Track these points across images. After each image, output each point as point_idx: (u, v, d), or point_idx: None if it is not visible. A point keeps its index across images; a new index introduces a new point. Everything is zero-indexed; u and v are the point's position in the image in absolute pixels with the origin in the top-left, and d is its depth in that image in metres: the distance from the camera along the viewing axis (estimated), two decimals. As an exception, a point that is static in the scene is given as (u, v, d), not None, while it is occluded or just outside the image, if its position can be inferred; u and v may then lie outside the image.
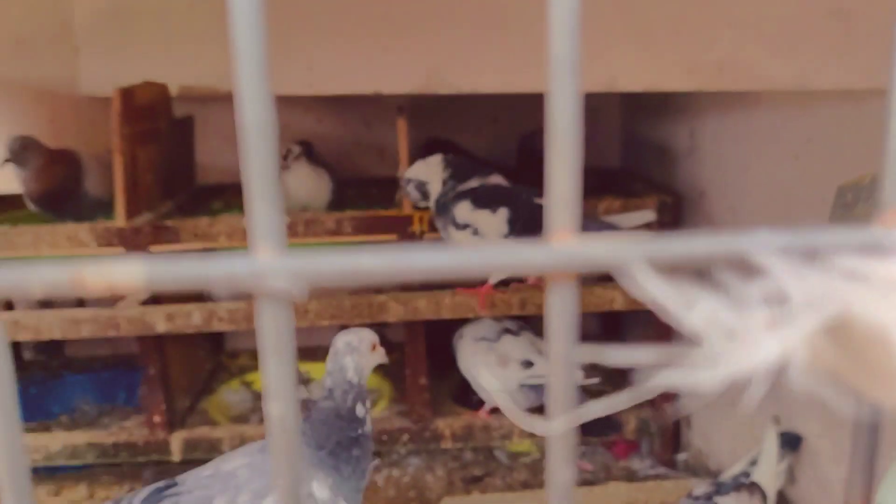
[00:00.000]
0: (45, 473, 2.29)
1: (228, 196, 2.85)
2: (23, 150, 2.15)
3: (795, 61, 1.42)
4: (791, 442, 1.70)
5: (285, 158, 2.42)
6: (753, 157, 1.90)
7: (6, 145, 2.17)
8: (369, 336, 1.43)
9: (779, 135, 1.78)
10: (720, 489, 1.59)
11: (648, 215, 2.08)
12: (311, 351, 2.98)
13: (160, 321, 2.00)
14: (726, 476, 1.70)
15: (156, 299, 2.16)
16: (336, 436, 1.34)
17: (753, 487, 1.59)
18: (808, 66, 1.41)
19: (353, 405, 1.36)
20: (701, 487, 1.62)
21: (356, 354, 1.40)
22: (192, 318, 2.01)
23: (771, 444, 1.65)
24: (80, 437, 2.21)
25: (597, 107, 2.96)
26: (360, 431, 1.35)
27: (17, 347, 2.79)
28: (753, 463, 1.69)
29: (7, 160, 2.15)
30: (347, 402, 1.36)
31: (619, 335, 2.97)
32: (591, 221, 1.92)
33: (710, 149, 2.16)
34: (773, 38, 1.49)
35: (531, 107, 2.97)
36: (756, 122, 1.88)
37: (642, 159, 2.79)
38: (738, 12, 1.47)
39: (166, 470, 2.35)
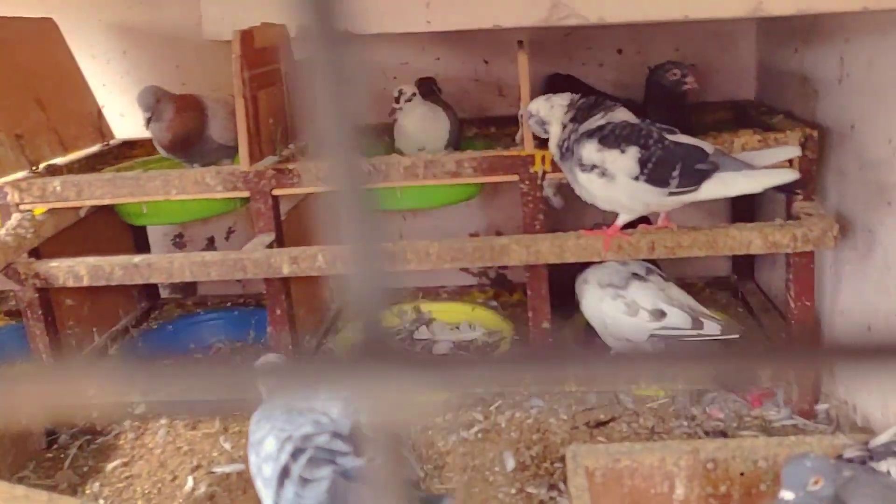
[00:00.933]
0: (181, 407, 2.40)
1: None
2: (157, 104, 2.20)
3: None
4: None
5: (397, 101, 2.38)
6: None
7: (141, 100, 2.22)
8: None
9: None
10: (874, 455, 1.47)
11: (792, 150, 1.92)
12: (434, 291, 2.98)
13: (285, 264, 2.02)
14: (878, 442, 1.55)
15: (280, 242, 2.20)
16: None
17: None
18: None
19: None
20: (852, 450, 1.50)
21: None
22: (316, 261, 2.02)
23: None
24: (213, 375, 2.29)
25: (730, 32, 2.76)
26: None
27: (153, 286, 2.92)
28: None
29: (149, 119, 2.21)
30: None
31: (753, 278, 2.82)
32: (728, 160, 1.79)
33: (864, 76, 1.96)
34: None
35: (658, 37, 2.81)
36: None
37: (779, 91, 2.58)
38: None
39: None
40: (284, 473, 1.40)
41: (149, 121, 2.22)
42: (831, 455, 1.51)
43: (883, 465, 1.41)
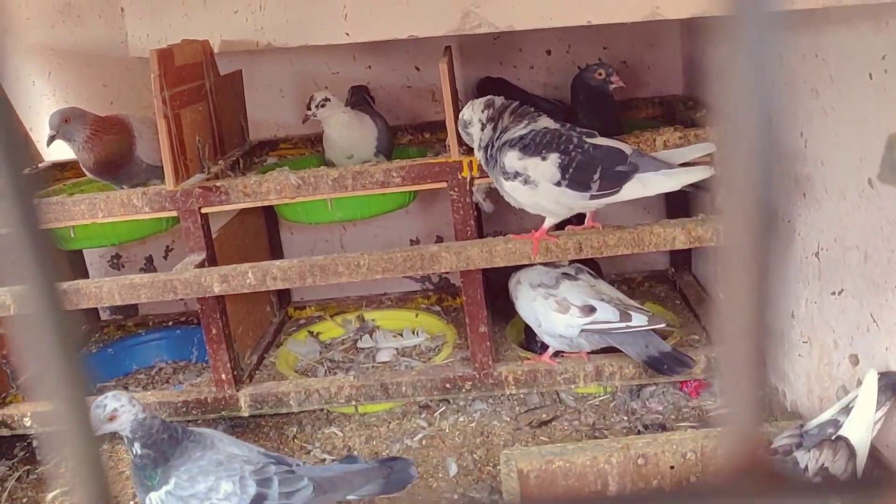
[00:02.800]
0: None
1: (283, 150, 2.84)
2: (65, 124, 2.15)
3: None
4: (892, 386, 1.53)
5: (308, 107, 2.38)
6: (825, 77, 1.75)
7: (50, 120, 2.18)
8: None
9: (851, 53, 1.64)
10: (803, 440, 1.48)
11: (708, 147, 1.96)
12: (377, 299, 2.99)
13: (216, 283, 2.01)
14: (813, 425, 1.56)
15: (213, 260, 2.18)
16: None
17: (839, 443, 1.45)
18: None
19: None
20: (783, 437, 1.51)
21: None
22: (247, 278, 2.01)
23: (869, 388, 1.48)
24: (151, 397, 2.27)
25: (656, 30, 2.80)
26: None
27: (93, 308, 2.88)
28: (846, 409, 1.54)
29: (53, 136, 2.17)
30: None
31: (690, 270, 2.87)
32: (647, 160, 1.82)
33: (777, 70, 2.00)
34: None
35: (586, 37, 2.84)
36: (826, 39, 1.73)
37: (705, 85, 2.63)
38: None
39: (238, 424, 2.41)
40: (259, 499, 1.58)
41: (51, 139, 2.17)
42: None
43: (804, 459, 1.43)
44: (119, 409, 1.65)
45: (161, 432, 1.62)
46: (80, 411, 0.37)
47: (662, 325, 2.03)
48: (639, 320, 1.97)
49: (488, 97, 1.97)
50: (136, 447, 1.62)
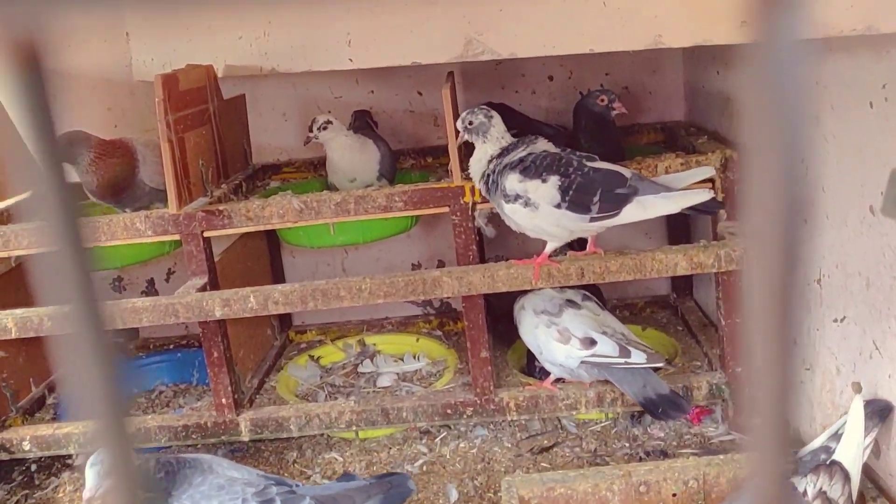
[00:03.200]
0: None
1: (286, 174, 2.85)
2: (69, 146, 2.17)
3: (861, 3, 1.29)
4: (880, 412, 1.56)
5: (311, 129, 2.39)
6: (826, 105, 1.76)
7: None
8: None
9: (852, 81, 1.65)
10: (798, 468, 1.49)
11: (707, 171, 1.97)
12: (378, 323, 2.98)
13: (217, 307, 2.01)
14: (806, 451, 1.58)
15: (214, 284, 2.18)
16: None
17: (833, 467, 1.47)
18: (875, 7, 1.28)
19: None
20: None
21: None
22: (249, 303, 2.01)
23: (856, 415, 1.51)
24: (151, 421, 2.26)
25: (658, 57, 2.82)
26: None
27: (93, 332, 2.87)
28: (835, 436, 1.57)
29: None
30: None
31: (691, 295, 2.86)
32: (647, 183, 1.82)
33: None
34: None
35: (588, 63, 2.86)
36: (827, 68, 1.74)
37: (707, 111, 2.65)
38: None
39: (238, 448, 2.40)
40: None
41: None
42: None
43: (801, 484, 1.44)
44: None
45: (157, 472, 1.61)
46: (120, 432, 0.37)
47: (661, 365, 2.01)
48: (637, 357, 1.96)
49: (500, 145, 1.96)
50: None
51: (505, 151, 1.91)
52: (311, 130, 2.39)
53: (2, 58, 0.32)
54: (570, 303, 2.13)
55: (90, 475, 1.68)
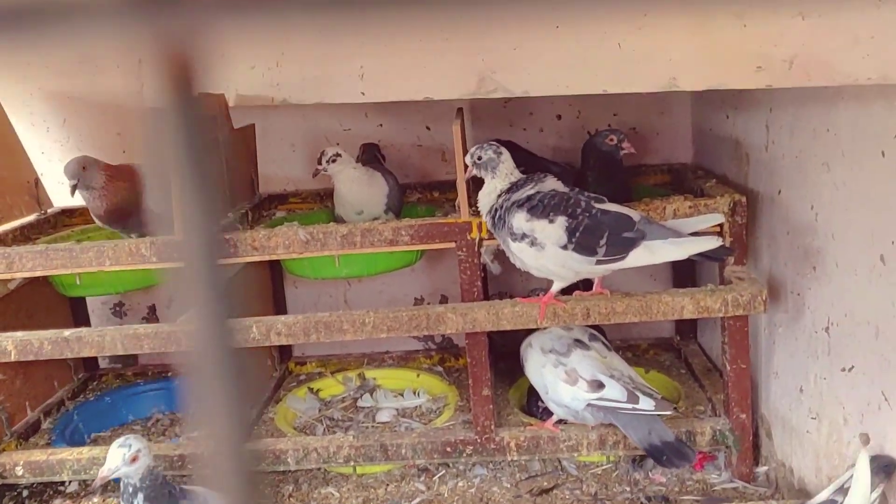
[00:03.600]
0: (115, 482, 2.32)
1: (292, 204, 2.85)
2: (83, 171, 2.18)
3: (876, 54, 1.30)
4: (885, 467, 1.54)
5: (319, 162, 2.39)
6: (837, 152, 1.76)
7: (67, 169, 2.20)
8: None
9: (864, 129, 1.64)
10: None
11: (717, 217, 1.96)
12: (379, 357, 2.96)
13: (219, 336, 1.99)
14: (813, 503, 1.56)
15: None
16: None
17: None
18: (890, 58, 1.28)
19: None
20: None
21: None
22: (252, 332, 1.99)
23: (863, 470, 1.49)
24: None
25: (666, 98, 2.83)
26: None
27: (92, 357, 2.86)
28: (842, 489, 1.54)
29: (75, 185, 2.19)
30: None
31: (695, 339, 2.84)
32: (655, 227, 1.81)
33: (787, 144, 2.02)
34: (850, 28, 1.36)
35: (596, 103, 2.87)
36: (838, 115, 1.74)
37: (715, 154, 2.65)
38: (810, 0, 1.35)
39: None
40: None
41: (74, 188, 2.19)
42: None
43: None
44: (142, 450, 1.63)
45: (164, 486, 1.59)
46: (238, 452, 0.36)
47: (669, 413, 1.99)
48: (646, 404, 1.94)
49: (509, 181, 1.96)
50: (140, 499, 1.58)
51: (514, 187, 1.90)
52: (319, 163, 2.39)
53: (152, 73, 0.32)
54: (579, 342, 2.11)
55: (114, 455, 1.66)
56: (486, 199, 1.95)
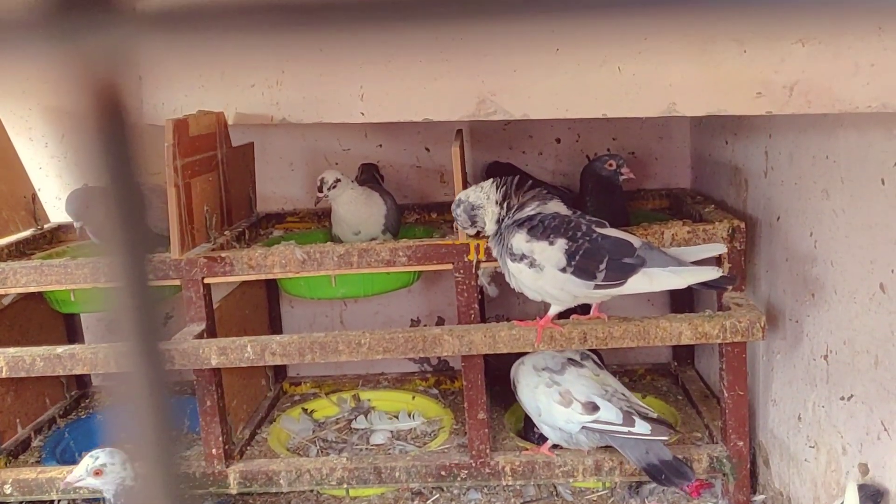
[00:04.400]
0: (106, 504, 2.29)
1: (289, 223, 2.84)
2: (86, 210, 2.18)
3: (877, 81, 1.30)
4: (873, 496, 1.54)
5: (320, 189, 2.38)
6: (836, 179, 1.76)
7: (69, 208, 2.20)
8: None
9: (863, 157, 1.64)
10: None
11: (718, 248, 1.95)
12: (374, 378, 2.94)
13: (213, 355, 1.98)
14: None
15: (212, 331, 2.15)
16: None
17: None
18: (891, 85, 1.28)
19: None
20: None
21: None
22: (245, 352, 1.98)
23: (852, 499, 1.49)
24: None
25: (665, 123, 2.84)
26: None
27: (85, 374, 2.83)
28: None
29: (82, 227, 2.19)
30: None
31: (692, 364, 2.83)
32: (656, 254, 1.81)
33: (787, 170, 2.02)
34: (850, 55, 1.36)
35: (595, 127, 2.87)
36: (837, 142, 1.74)
37: (714, 180, 2.65)
38: (811, 27, 1.35)
39: (225, 501, 2.33)
40: None
41: (81, 229, 2.20)
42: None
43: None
44: (108, 465, 1.60)
45: None
46: (168, 476, 0.35)
47: (665, 438, 1.97)
48: (641, 428, 1.92)
49: (493, 178, 1.96)
50: None
51: (519, 207, 1.88)
52: (321, 191, 2.38)
53: (76, 99, 0.31)
54: (571, 361, 2.10)
55: (82, 465, 1.65)
56: (491, 219, 1.94)
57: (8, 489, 2.17)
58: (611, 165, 2.30)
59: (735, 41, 1.47)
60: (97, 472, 1.62)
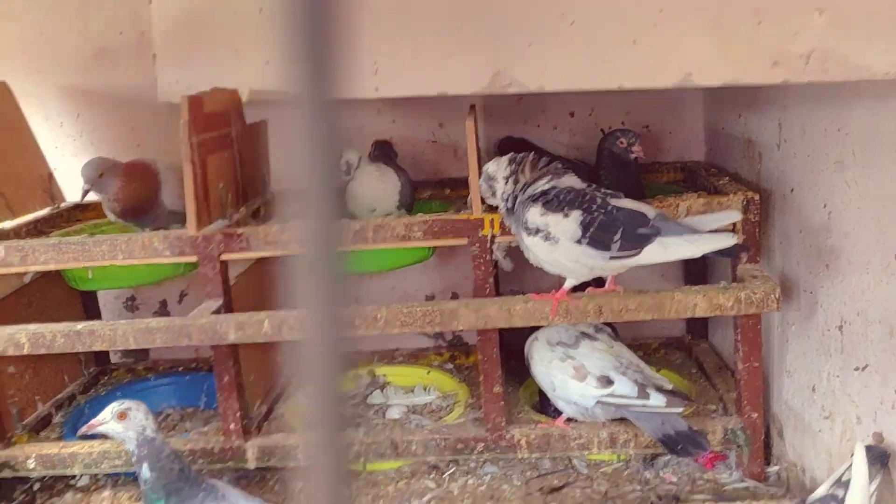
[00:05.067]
0: (127, 477, 2.33)
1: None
2: (99, 179, 2.20)
3: (894, 48, 1.29)
4: (880, 457, 1.56)
5: (347, 173, 2.39)
6: (849, 151, 1.76)
7: (84, 172, 2.22)
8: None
9: (875, 129, 1.64)
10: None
11: (733, 215, 1.95)
12: (389, 354, 2.96)
13: (231, 330, 2.00)
14: (815, 498, 1.56)
15: (229, 307, 2.17)
16: None
17: None
18: (908, 52, 1.28)
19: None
20: None
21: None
22: (263, 328, 2.00)
23: (861, 463, 1.50)
24: (158, 443, 2.24)
25: (678, 97, 2.83)
26: None
27: (103, 351, 2.87)
28: (839, 482, 1.56)
29: (87, 190, 2.21)
30: None
31: (706, 338, 2.83)
32: (670, 224, 1.81)
33: (799, 143, 2.01)
34: (868, 23, 1.36)
35: (609, 101, 2.87)
36: (850, 114, 1.74)
37: (728, 153, 2.64)
38: (828, -4, 1.34)
39: (243, 476, 2.36)
40: None
41: (86, 192, 2.22)
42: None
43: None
44: (133, 411, 1.63)
45: (171, 461, 1.59)
46: (336, 446, 0.36)
47: (680, 410, 1.98)
48: (656, 400, 1.93)
49: (511, 154, 1.97)
50: (144, 469, 1.59)
51: (533, 182, 1.89)
52: (347, 174, 2.38)
53: None
54: (585, 334, 2.11)
55: (107, 409, 1.67)
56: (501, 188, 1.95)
57: (31, 464, 2.20)
58: (622, 143, 2.30)
59: (750, 11, 1.47)
60: (121, 416, 1.65)
